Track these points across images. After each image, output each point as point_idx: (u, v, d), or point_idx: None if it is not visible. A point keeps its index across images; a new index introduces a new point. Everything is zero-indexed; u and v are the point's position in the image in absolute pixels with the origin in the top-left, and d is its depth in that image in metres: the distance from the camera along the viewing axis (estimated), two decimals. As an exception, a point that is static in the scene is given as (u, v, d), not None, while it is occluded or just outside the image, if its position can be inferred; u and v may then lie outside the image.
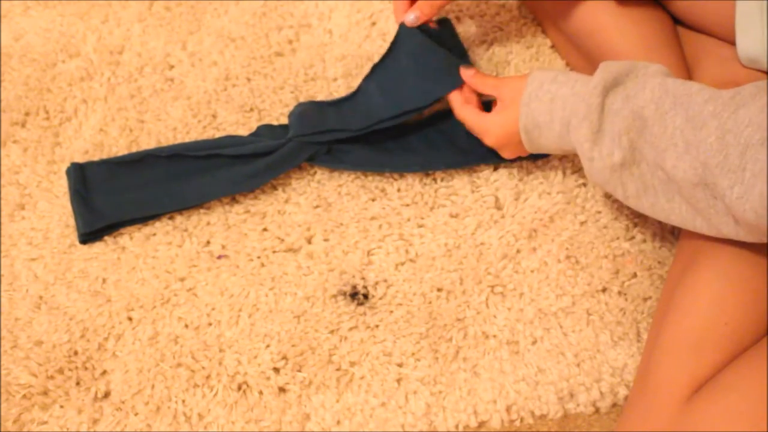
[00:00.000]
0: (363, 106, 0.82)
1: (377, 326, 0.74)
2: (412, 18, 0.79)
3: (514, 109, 0.71)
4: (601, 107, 0.63)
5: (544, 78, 0.69)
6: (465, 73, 0.77)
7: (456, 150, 0.82)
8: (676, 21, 0.82)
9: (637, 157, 0.62)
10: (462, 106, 0.77)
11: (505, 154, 0.76)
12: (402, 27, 0.80)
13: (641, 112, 0.61)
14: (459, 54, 0.83)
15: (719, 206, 0.58)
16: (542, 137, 0.69)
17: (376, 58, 0.86)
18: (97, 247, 0.79)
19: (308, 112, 0.82)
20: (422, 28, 0.80)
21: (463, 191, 0.81)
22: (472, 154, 0.80)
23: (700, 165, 0.57)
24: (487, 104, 0.79)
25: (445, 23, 0.84)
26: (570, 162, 0.83)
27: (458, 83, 0.77)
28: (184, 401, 0.70)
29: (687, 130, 0.58)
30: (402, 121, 0.80)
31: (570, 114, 0.65)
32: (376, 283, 0.76)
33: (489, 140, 0.75)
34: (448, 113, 0.81)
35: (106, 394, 0.71)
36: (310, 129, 0.80)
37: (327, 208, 0.81)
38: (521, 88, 0.70)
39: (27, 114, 0.88)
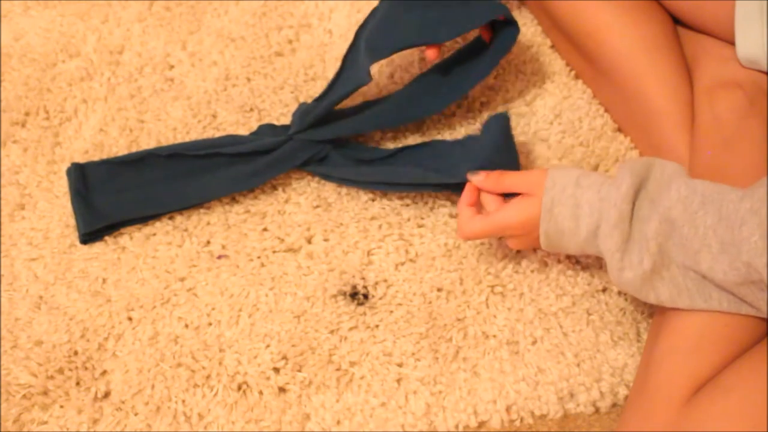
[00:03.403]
0: (351, 76, 0.82)
1: (377, 326, 0.74)
2: None
3: (534, 200, 0.66)
4: (631, 214, 0.61)
5: (566, 181, 0.64)
6: (475, 179, 0.71)
7: (446, 174, 0.77)
8: (676, 21, 0.82)
9: (666, 261, 0.60)
10: (472, 218, 0.70)
11: (513, 245, 0.71)
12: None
13: (668, 213, 0.59)
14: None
15: None
16: (564, 242, 0.66)
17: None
18: (97, 247, 0.79)
19: (309, 107, 0.82)
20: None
21: (463, 191, 0.81)
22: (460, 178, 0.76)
23: (743, 265, 0.56)
24: None
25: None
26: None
27: (435, 39, 0.77)
28: (184, 401, 0.70)
29: (721, 230, 0.57)
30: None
31: (599, 220, 0.62)
32: (376, 283, 0.76)
33: (509, 228, 0.68)
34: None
35: (106, 394, 0.71)
36: (308, 122, 0.80)
37: (327, 208, 0.81)
38: (541, 182, 0.66)
39: (27, 114, 0.88)
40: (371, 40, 0.80)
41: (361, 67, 0.79)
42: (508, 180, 0.69)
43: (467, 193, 0.72)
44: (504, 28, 0.81)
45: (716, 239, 0.57)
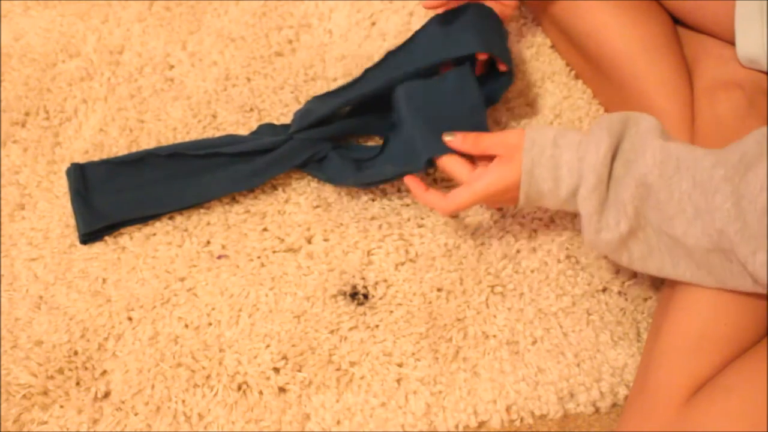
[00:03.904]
0: (363, 89, 0.81)
1: (377, 326, 0.74)
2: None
3: (514, 163, 0.66)
4: (609, 176, 0.62)
5: (544, 142, 0.65)
6: (453, 141, 0.70)
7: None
8: (676, 21, 0.82)
9: (642, 222, 0.61)
10: (447, 195, 0.70)
11: (492, 205, 0.73)
12: (426, 24, 0.80)
13: (644, 179, 0.60)
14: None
15: (735, 269, 0.57)
16: (543, 201, 0.67)
17: (377, 58, 0.85)
18: (97, 247, 0.79)
19: (311, 107, 0.82)
20: (453, 16, 0.78)
21: (463, 191, 0.81)
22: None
23: (716, 232, 0.56)
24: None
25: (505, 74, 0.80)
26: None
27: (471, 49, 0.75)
28: (184, 401, 0.70)
29: (696, 196, 0.57)
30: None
31: (578, 181, 0.63)
32: (376, 283, 0.76)
33: (480, 191, 0.68)
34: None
35: (106, 394, 0.71)
36: (308, 122, 0.80)
37: (327, 208, 0.81)
38: (520, 144, 0.66)
39: (27, 114, 0.88)
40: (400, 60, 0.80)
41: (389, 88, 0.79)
42: (486, 141, 0.69)
43: (416, 183, 0.72)
44: (500, 76, 0.81)
45: (691, 205, 0.58)
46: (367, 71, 0.83)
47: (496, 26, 0.79)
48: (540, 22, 0.94)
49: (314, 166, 0.81)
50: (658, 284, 0.76)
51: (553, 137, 0.65)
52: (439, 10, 0.79)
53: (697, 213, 0.57)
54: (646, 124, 0.63)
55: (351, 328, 0.74)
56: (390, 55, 0.82)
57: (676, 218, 0.59)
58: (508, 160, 0.67)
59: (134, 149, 0.85)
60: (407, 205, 0.81)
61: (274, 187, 0.82)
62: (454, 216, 0.79)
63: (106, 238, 0.79)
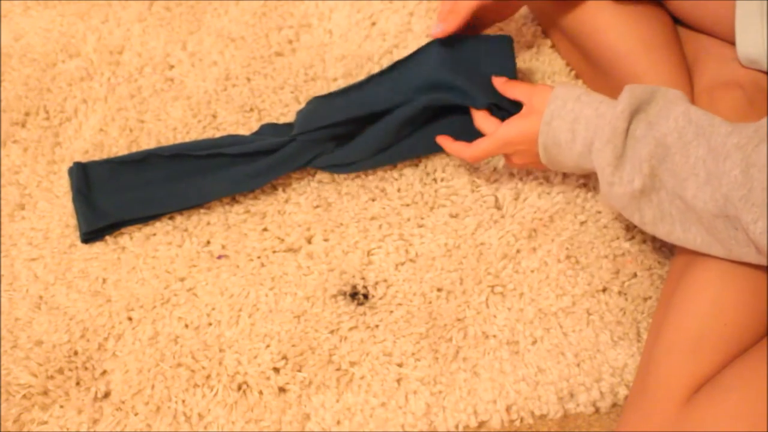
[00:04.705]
0: (371, 97, 0.81)
1: (377, 326, 0.74)
2: (438, 30, 0.76)
3: (535, 117, 0.70)
4: (626, 132, 0.63)
5: (568, 96, 0.68)
6: (497, 80, 0.75)
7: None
8: (676, 21, 0.82)
9: (657, 185, 0.62)
10: (469, 144, 0.75)
11: (516, 160, 0.75)
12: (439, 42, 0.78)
13: (664, 139, 0.61)
14: (506, 73, 0.78)
15: (740, 237, 0.58)
16: (561, 155, 0.69)
17: (377, 58, 0.86)
18: (97, 247, 0.79)
19: (316, 108, 0.82)
20: (461, 39, 0.77)
21: (463, 191, 0.81)
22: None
23: (722, 197, 0.57)
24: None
25: (504, 41, 0.80)
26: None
27: (477, 103, 0.75)
28: (184, 401, 0.70)
29: (709, 161, 0.58)
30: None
31: (593, 135, 0.65)
32: (376, 283, 0.76)
33: (500, 140, 0.72)
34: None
35: (106, 394, 0.71)
36: (313, 125, 0.79)
37: (327, 208, 0.81)
38: (545, 97, 0.69)
39: (27, 114, 0.88)
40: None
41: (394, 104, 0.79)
42: (524, 86, 0.73)
43: (443, 137, 0.78)
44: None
45: (704, 169, 0.58)
46: (373, 77, 0.82)
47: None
48: (540, 22, 0.94)
49: (321, 161, 0.80)
50: (658, 284, 0.76)
51: (578, 94, 0.68)
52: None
53: (708, 177, 0.58)
54: (674, 94, 0.65)
55: (351, 328, 0.74)
56: (398, 64, 0.81)
57: (688, 180, 0.60)
58: (528, 114, 0.70)
59: (134, 149, 0.85)
60: (407, 205, 0.81)
61: (274, 187, 0.82)
62: (477, 163, 0.82)
63: (107, 238, 0.79)
